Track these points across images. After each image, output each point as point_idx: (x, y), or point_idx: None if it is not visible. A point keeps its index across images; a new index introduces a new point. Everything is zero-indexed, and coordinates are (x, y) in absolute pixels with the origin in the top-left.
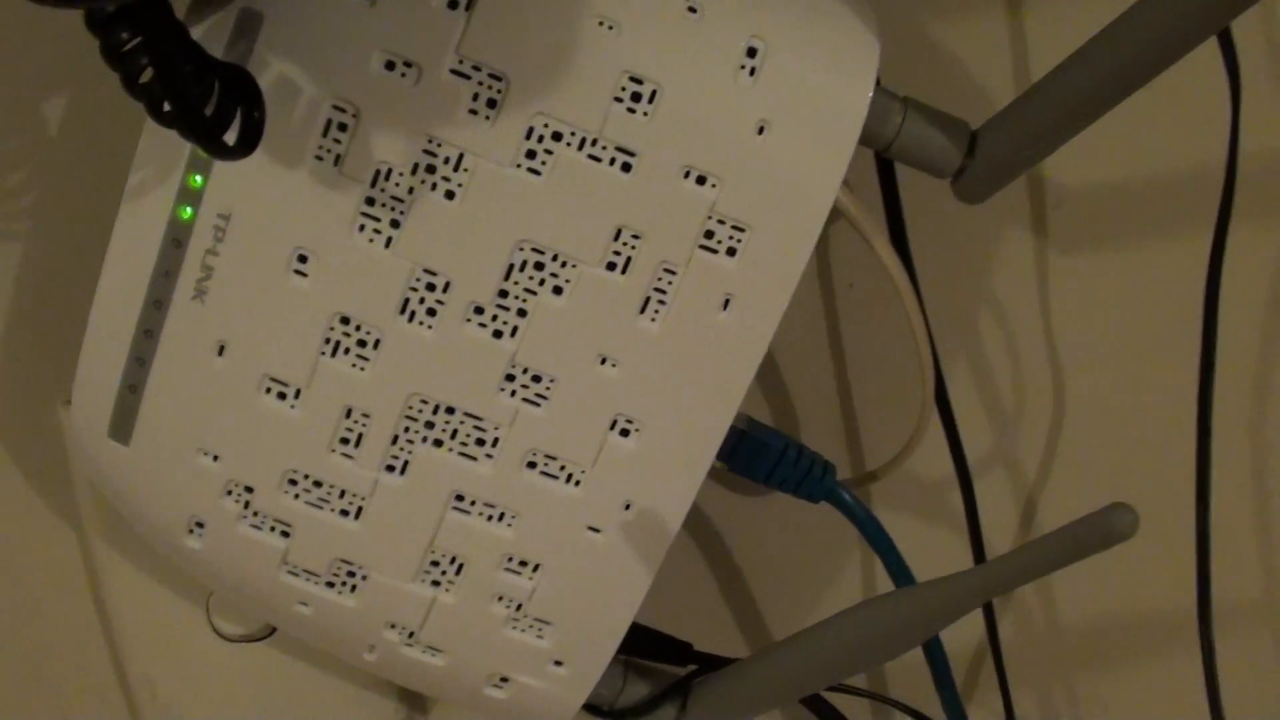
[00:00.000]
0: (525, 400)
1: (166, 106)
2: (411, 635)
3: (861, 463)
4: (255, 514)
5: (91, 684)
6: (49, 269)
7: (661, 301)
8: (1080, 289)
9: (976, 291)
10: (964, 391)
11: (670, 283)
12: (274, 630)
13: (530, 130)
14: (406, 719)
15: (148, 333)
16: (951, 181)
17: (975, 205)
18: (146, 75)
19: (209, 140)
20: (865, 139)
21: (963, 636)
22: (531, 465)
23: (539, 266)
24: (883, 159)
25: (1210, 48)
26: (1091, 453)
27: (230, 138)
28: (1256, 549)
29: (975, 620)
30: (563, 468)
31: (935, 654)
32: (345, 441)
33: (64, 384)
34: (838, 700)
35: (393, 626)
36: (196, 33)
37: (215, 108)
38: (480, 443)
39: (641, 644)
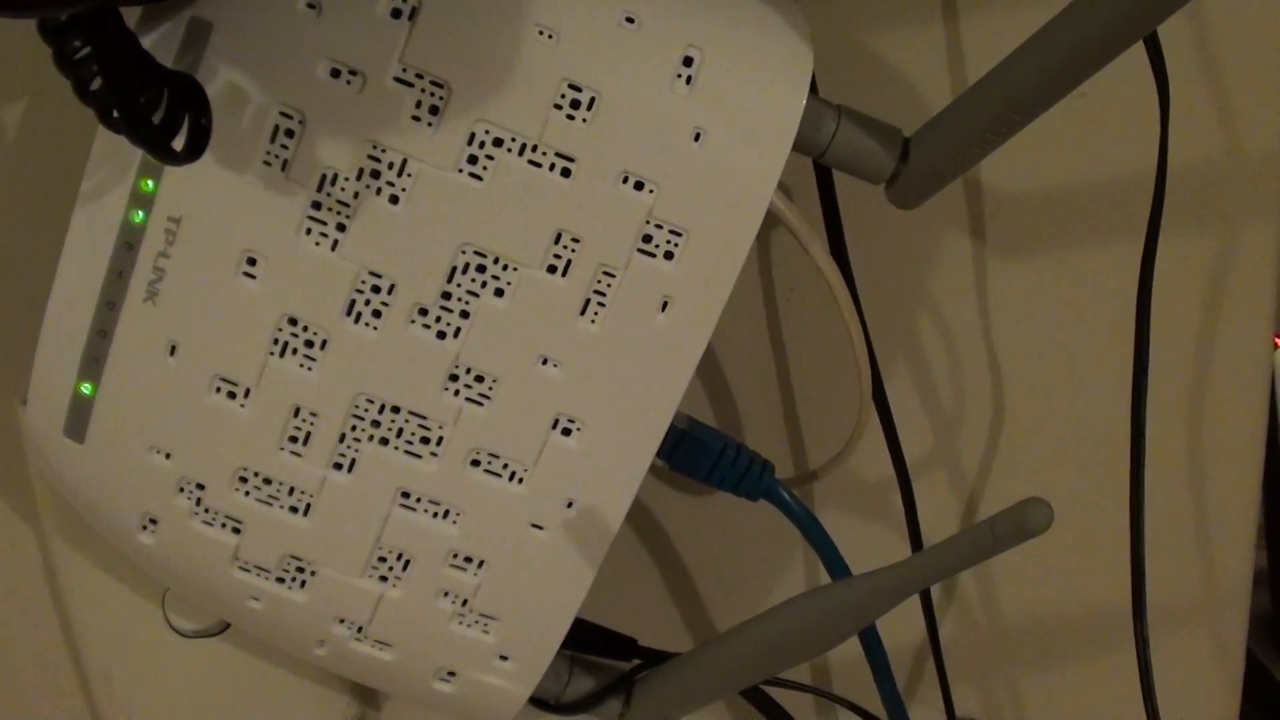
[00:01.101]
0: (468, 400)
1: (115, 113)
2: (360, 630)
3: (804, 462)
4: (207, 511)
5: (49, 679)
6: (3, 270)
7: (601, 303)
8: (1017, 292)
9: (916, 294)
10: (904, 392)
11: (609, 285)
12: (229, 626)
13: (472, 136)
14: (359, 714)
15: (101, 333)
16: (885, 187)
17: (910, 211)
18: (97, 83)
19: (156, 146)
20: (800, 146)
21: (906, 634)
22: (475, 463)
23: (481, 269)
24: (820, 165)
25: (1139, 53)
26: (1029, 453)
27: (178, 144)
28: (1191, 547)
29: (918, 617)
30: (506, 466)
31: (874, 649)
32: (294, 440)
33: (20, 383)
34: (782, 697)
35: (342, 621)
36: (147, 41)
37: (164, 114)
38: (425, 441)
39: (586, 639)
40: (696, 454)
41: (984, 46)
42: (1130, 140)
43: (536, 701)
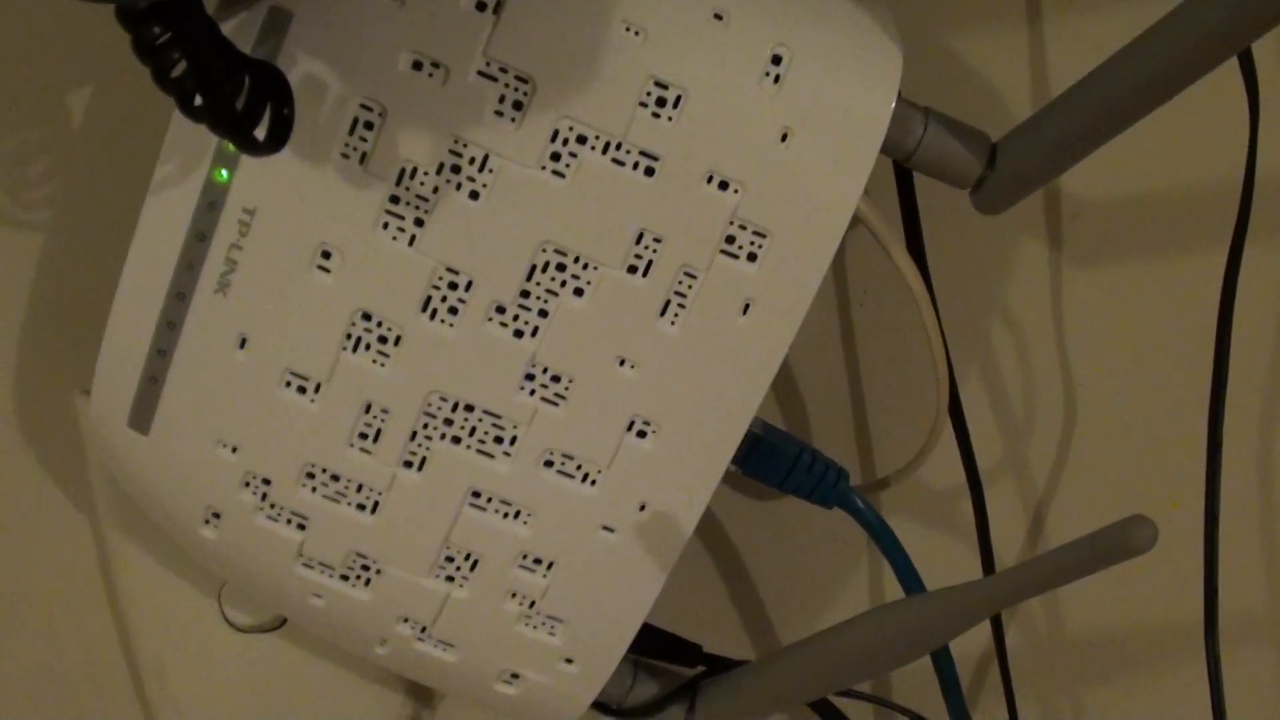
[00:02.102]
0: (544, 400)
1: (197, 101)
2: (424, 630)
3: (872, 469)
4: (272, 506)
5: (101, 671)
6: (68, 260)
7: (681, 305)
8: (1094, 301)
9: (990, 301)
10: (975, 400)
11: (690, 287)
12: (284, 621)
13: (555, 133)
14: (413, 714)
15: (170, 324)
16: (970, 192)
17: (992, 216)
18: (178, 70)
19: (240, 135)
20: (887, 148)
21: (967, 644)
22: (548, 464)
23: (561, 268)
24: (901, 168)
25: (1229, 64)
26: (1101, 465)
27: (259, 134)
28: (1264, 563)
29: (980, 628)
30: (579, 467)
31: (942, 660)
32: (364, 436)
33: (82, 374)
34: (841, 704)
35: (405, 621)
36: (225, 29)
37: (245, 104)
38: (498, 440)
39: (651, 644)
40: (771, 460)
41: (1066, 51)
42: (1215, 148)
43: (599, 706)
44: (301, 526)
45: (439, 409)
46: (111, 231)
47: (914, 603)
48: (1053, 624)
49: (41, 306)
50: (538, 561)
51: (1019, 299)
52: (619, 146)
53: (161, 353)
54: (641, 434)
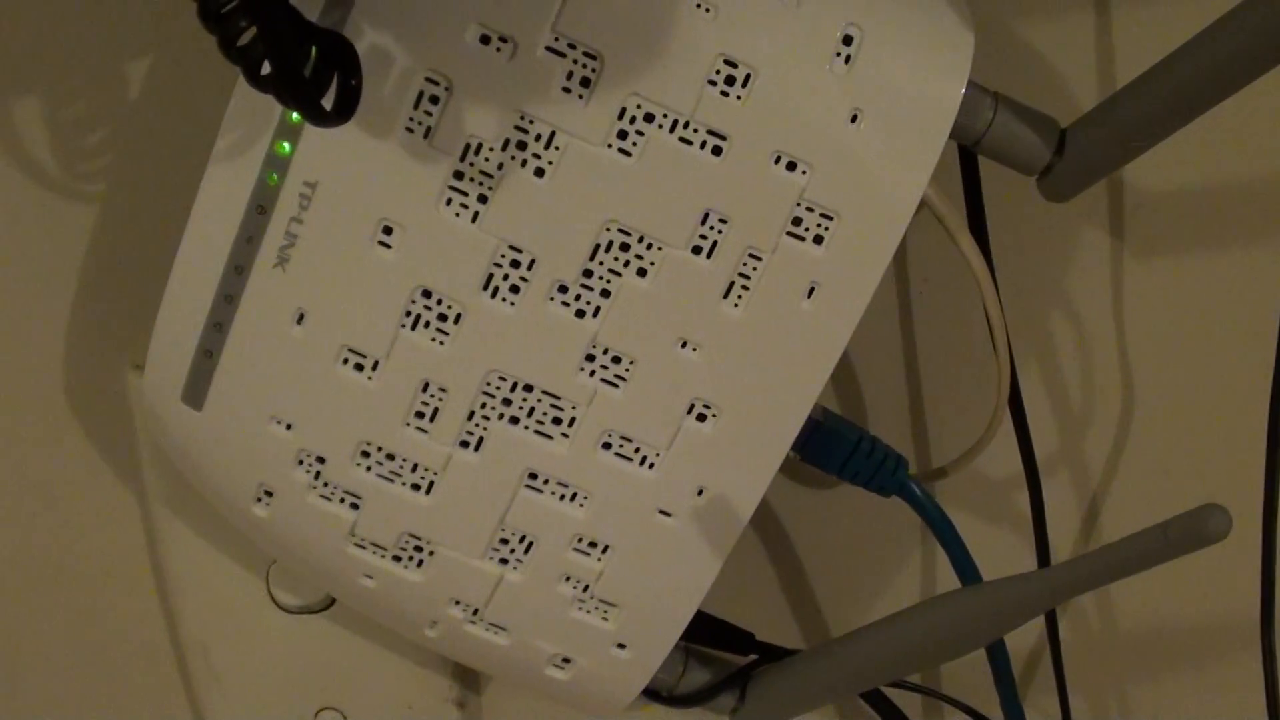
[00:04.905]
0: (604, 381)
1: (265, 70)
2: (476, 613)
3: (927, 459)
4: (325, 484)
5: (146, 649)
6: (122, 233)
7: (745, 287)
8: (1155, 293)
9: (1050, 291)
10: (1033, 389)
11: (755, 268)
12: (332, 603)
13: (623, 111)
14: (459, 697)
15: (228, 298)
16: (1037, 179)
17: (1056, 205)
18: (245, 38)
19: (308, 105)
20: (955, 132)
21: (1017, 638)
22: (606, 446)
23: (625, 248)
24: (966, 153)
25: None
26: (1159, 458)
27: (325, 105)
28: None
29: (1032, 621)
30: (637, 450)
31: (996, 652)
32: (421, 415)
33: (134, 350)
34: (892, 694)
35: (457, 603)
36: None
37: (311, 73)
38: (556, 421)
39: (704, 631)
40: (831, 446)
41: (1134, 38)
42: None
43: (649, 693)
44: (355, 506)
45: (498, 389)
46: (167, 204)
47: (975, 592)
48: (1105, 618)
49: (94, 280)
50: (593, 545)
51: (1079, 290)
52: (686, 125)
53: (218, 326)
54: (701, 417)
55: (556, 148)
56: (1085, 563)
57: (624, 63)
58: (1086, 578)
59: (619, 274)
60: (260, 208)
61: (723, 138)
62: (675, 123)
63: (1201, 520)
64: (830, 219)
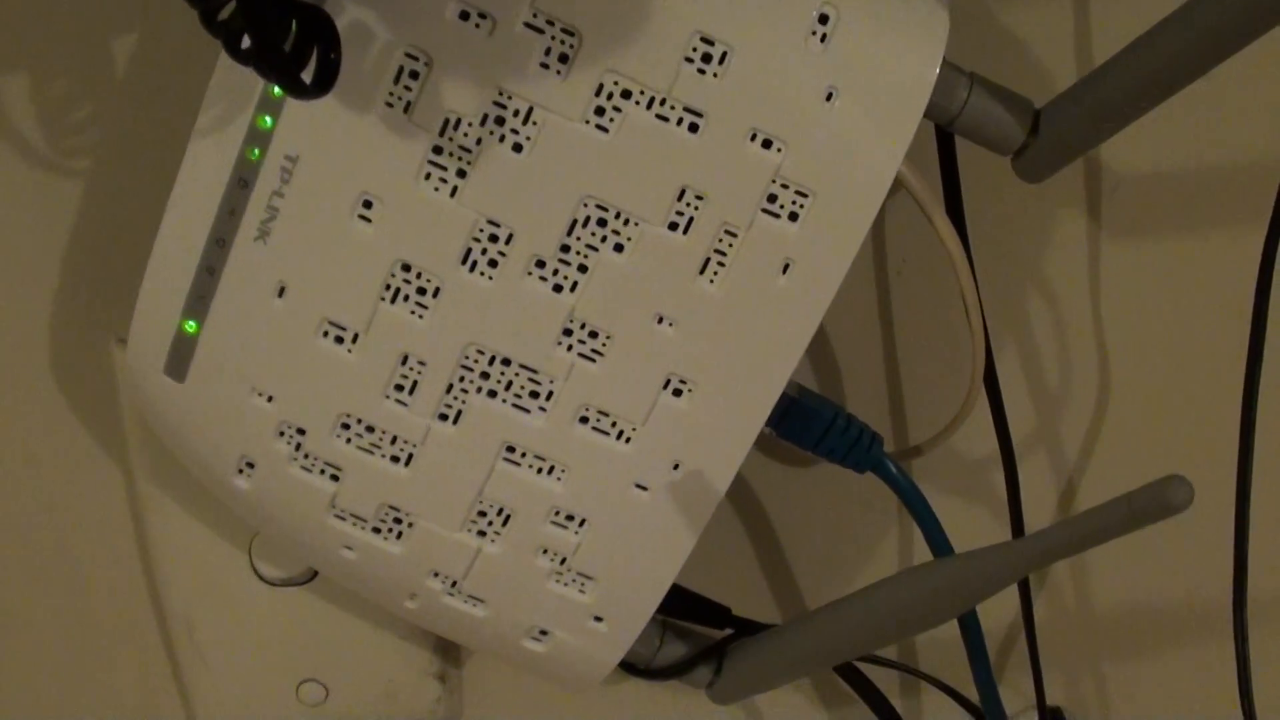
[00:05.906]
0: (581, 355)
1: (245, 44)
2: (454, 584)
3: (905, 436)
4: (306, 456)
5: (130, 622)
6: (106, 207)
7: (721, 263)
8: (1132, 273)
9: (1026, 271)
10: (1010, 370)
11: (731, 245)
12: (314, 575)
13: (600, 87)
14: (440, 671)
15: (209, 270)
16: (1012, 159)
17: (1031, 185)
18: (226, 12)
19: (287, 78)
20: (930, 112)
21: (994, 614)
22: (583, 420)
23: (602, 223)
24: (943, 133)
25: (1274, 36)
26: (1134, 439)
27: (305, 78)
28: None
29: (1007, 600)
30: (614, 424)
31: (970, 629)
32: (400, 388)
33: (118, 323)
34: (869, 671)
35: (436, 575)
36: None
37: (292, 47)
38: (534, 395)
39: (680, 605)
40: (806, 422)
41: (1110, 19)
42: (1256, 122)
43: (626, 665)
44: (335, 477)
45: (476, 362)
46: (151, 180)
47: (945, 564)
48: (1080, 597)
49: (78, 254)
50: (570, 518)
51: (1056, 271)
52: (663, 102)
53: (200, 299)
54: (677, 392)
55: (534, 123)
56: (1051, 534)
57: (602, 39)
58: (1053, 548)
59: (596, 249)
60: (242, 181)
61: (699, 115)
62: (652, 100)
63: (1163, 491)
64: (805, 196)
